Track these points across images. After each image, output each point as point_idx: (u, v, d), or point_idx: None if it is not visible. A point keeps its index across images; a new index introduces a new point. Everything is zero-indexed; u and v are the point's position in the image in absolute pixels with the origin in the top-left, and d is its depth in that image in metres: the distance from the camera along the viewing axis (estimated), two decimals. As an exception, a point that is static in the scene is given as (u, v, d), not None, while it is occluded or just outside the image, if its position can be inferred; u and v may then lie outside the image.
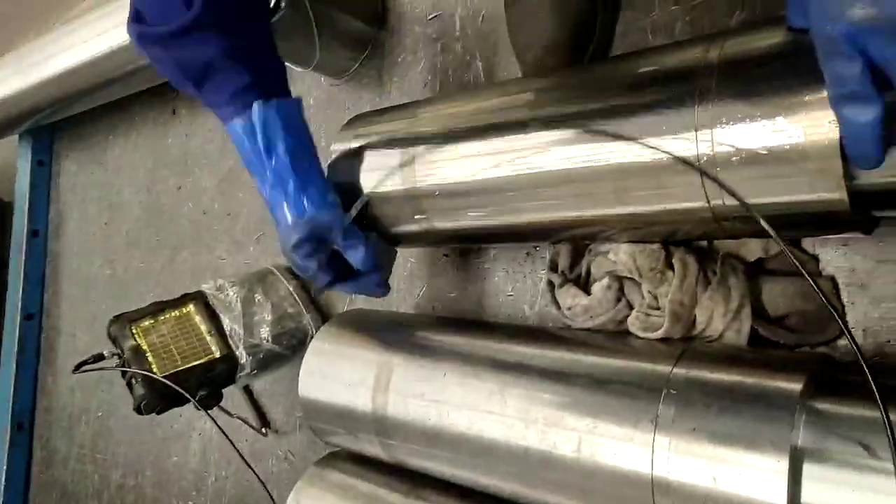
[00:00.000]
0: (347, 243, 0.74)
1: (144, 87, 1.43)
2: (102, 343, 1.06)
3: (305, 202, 0.71)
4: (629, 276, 0.68)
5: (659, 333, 0.66)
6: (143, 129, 1.57)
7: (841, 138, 0.44)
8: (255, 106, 0.68)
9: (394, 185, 0.74)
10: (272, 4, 0.91)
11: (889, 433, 0.44)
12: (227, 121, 0.71)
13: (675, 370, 0.58)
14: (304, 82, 1.17)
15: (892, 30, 0.35)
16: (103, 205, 1.68)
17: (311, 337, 1.09)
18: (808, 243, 0.66)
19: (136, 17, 0.69)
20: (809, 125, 0.46)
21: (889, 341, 0.62)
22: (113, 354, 1.03)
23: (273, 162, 0.70)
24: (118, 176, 1.63)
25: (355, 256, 0.74)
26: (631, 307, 0.70)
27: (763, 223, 0.48)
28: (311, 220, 0.71)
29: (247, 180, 1.27)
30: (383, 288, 0.81)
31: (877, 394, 0.44)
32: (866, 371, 0.45)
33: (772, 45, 0.50)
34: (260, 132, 0.69)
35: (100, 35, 1.31)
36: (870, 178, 0.46)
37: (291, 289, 1.13)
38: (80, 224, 1.75)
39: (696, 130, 0.51)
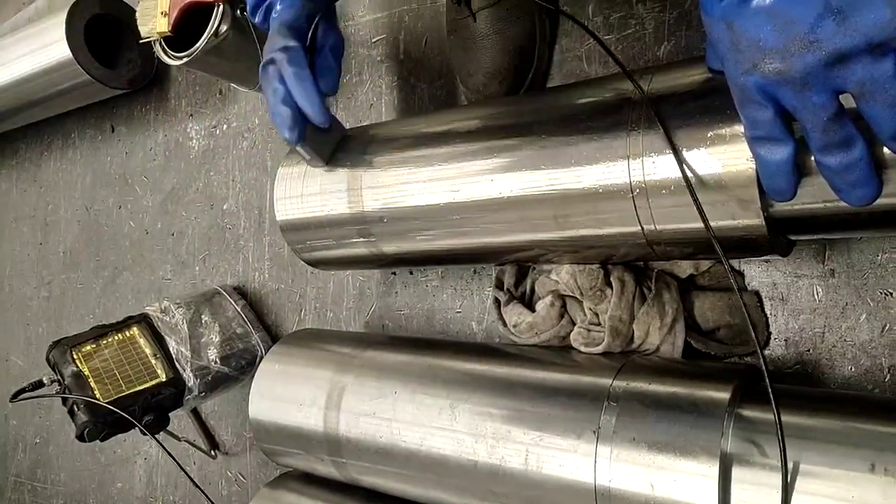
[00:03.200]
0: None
1: (80, 104, 1.41)
2: (39, 368, 1.04)
3: None
4: (571, 294, 0.72)
5: (600, 348, 0.69)
6: (80, 146, 1.53)
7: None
8: None
9: (341, 208, 0.76)
10: (215, 28, 0.91)
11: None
12: None
13: (616, 383, 0.61)
14: (249, 102, 1.17)
15: (799, 83, 0.38)
16: (38, 224, 1.62)
17: (261, 357, 1.09)
18: (734, 260, 0.71)
19: None
20: (729, 159, 0.50)
21: (808, 350, 0.67)
22: (53, 381, 1.01)
23: None
24: (54, 194, 1.58)
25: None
26: (573, 323, 0.73)
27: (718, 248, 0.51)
28: None
29: (191, 199, 1.27)
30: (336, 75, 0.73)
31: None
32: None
33: (694, 82, 0.54)
34: None
35: (33, 52, 1.28)
36: (785, 206, 0.50)
37: (239, 309, 1.13)
38: (12, 244, 1.69)
39: (628, 160, 0.55)
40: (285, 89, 0.67)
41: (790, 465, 0.50)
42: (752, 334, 0.51)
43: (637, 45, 0.78)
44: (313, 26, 0.71)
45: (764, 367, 0.50)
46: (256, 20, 0.72)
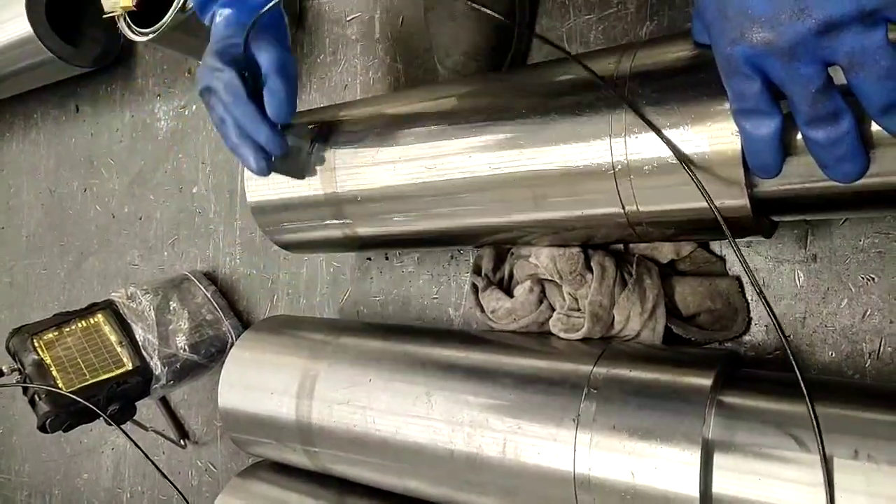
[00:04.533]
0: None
1: (42, 83, 1.36)
2: (0, 357, 1.00)
3: None
4: (550, 278, 0.70)
5: (580, 334, 0.68)
6: (43, 126, 1.47)
7: (742, 149, 0.46)
8: None
9: (314, 189, 0.73)
10: (181, 2, 0.87)
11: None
12: None
13: (596, 369, 0.60)
14: (219, 81, 1.13)
15: (788, 53, 0.37)
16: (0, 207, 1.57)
17: (231, 344, 1.06)
18: (715, 245, 0.70)
19: None
20: (714, 136, 0.48)
21: (789, 336, 0.67)
22: (13, 370, 0.97)
23: None
24: (16, 177, 1.53)
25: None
26: (553, 309, 0.71)
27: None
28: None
29: (159, 182, 1.23)
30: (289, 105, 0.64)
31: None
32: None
33: (680, 57, 0.52)
34: None
35: (-8, 27, 1.22)
36: (769, 186, 0.49)
37: (209, 295, 1.09)
38: (-28, 229, 1.63)
39: (610, 138, 0.53)
40: (233, 120, 0.62)
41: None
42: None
43: (619, 25, 0.76)
44: (251, 46, 0.62)
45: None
46: (206, 22, 0.68)
